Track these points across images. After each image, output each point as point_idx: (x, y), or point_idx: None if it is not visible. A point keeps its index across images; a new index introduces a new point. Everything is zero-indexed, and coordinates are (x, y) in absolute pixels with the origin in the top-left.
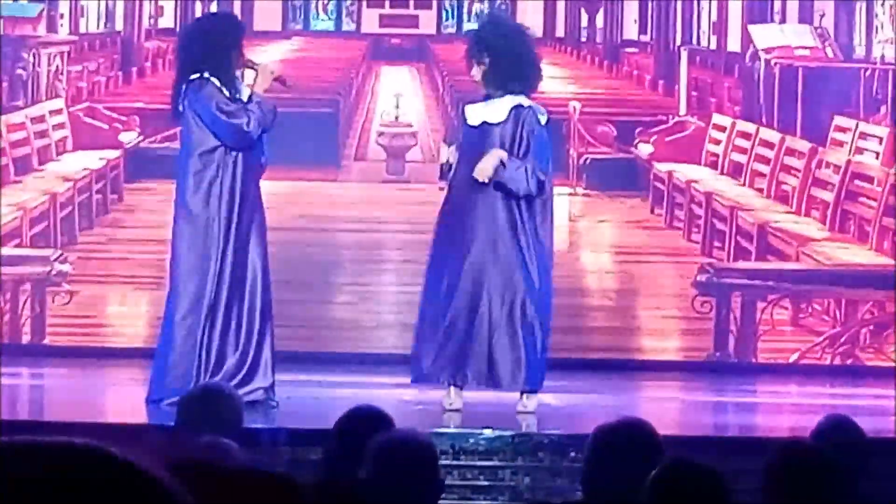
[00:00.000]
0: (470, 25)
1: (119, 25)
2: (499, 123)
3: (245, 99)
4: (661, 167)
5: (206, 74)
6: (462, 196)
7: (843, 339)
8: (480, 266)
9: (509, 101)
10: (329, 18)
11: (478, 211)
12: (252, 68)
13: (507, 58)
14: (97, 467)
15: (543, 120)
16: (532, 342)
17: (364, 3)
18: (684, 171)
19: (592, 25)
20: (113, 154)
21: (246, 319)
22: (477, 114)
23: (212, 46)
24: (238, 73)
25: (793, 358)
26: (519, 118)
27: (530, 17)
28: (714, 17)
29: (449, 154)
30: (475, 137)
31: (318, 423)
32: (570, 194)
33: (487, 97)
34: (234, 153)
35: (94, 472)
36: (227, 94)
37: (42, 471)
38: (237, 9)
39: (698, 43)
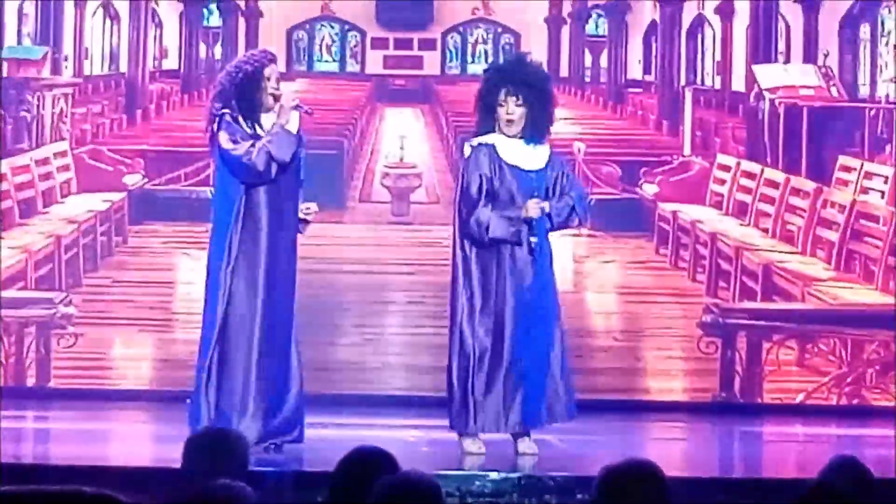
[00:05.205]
0: (474, 66)
1: (123, 67)
2: (539, 170)
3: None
4: (666, 207)
5: (226, 110)
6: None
7: (849, 380)
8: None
9: (544, 148)
10: (333, 60)
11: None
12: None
13: (548, 107)
14: None
15: None
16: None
17: (368, 45)
18: (689, 212)
19: (596, 66)
20: (117, 196)
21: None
22: (517, 156)
23: (238, 83)
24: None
25: (799, 398)
26: (555, 162)
27: (534, 57)
28: (718, 57)
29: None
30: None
31: (323, 466)
32: (575, 235)
33: (524, 140)
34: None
35: None
36: (247, 128)
37: None
38: (241, 51)
39: (702, 83)
